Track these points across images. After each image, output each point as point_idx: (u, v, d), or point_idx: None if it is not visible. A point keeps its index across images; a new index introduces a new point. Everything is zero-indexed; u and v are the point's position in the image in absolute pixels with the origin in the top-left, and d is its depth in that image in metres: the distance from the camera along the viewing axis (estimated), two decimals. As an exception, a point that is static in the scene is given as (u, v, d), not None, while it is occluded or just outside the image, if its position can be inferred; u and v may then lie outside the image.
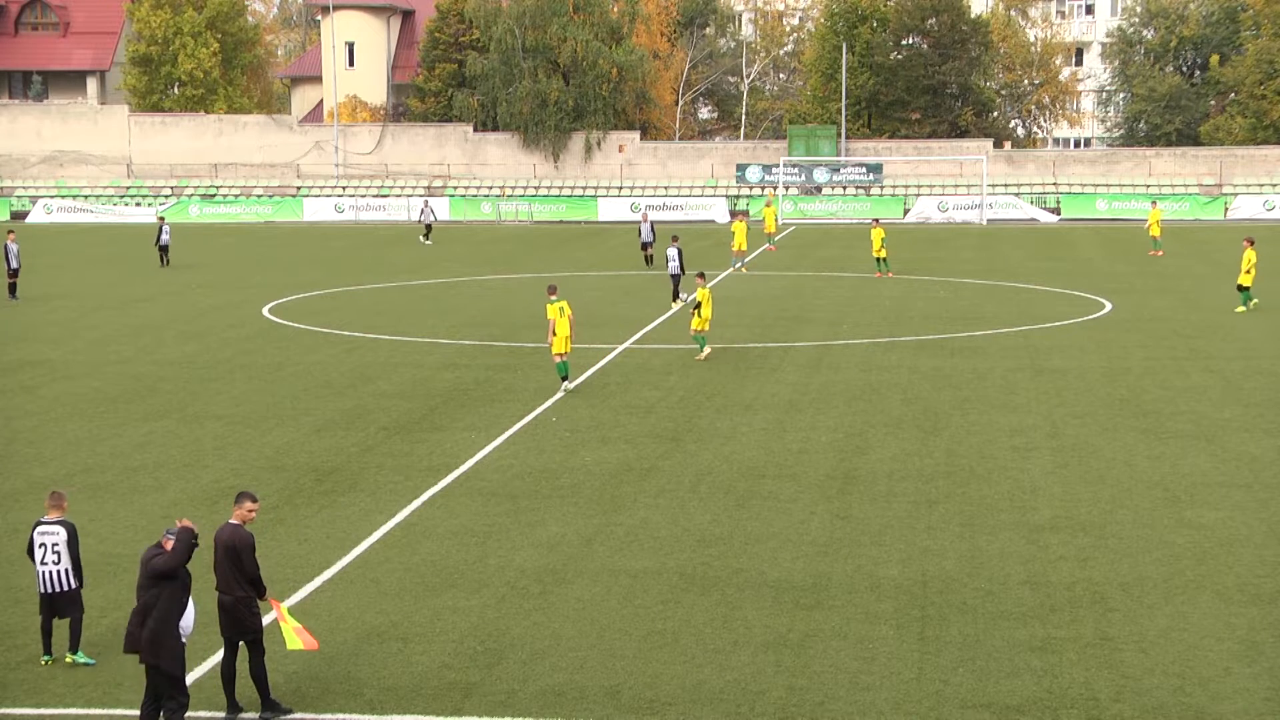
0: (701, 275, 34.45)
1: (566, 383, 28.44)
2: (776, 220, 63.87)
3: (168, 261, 55.81)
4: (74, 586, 14.89)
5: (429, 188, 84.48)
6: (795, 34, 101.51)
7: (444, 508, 20.40)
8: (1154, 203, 63.01)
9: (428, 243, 65.90)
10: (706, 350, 32.56)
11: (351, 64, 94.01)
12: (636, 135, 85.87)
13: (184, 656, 12.83)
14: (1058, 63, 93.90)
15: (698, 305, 31.90)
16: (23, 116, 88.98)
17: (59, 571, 14.82)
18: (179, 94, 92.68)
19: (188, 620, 12.90)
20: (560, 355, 28.27)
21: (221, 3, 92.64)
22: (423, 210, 69.13)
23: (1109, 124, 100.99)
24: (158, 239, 56.20)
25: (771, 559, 17.81)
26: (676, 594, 16.59)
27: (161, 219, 61.53)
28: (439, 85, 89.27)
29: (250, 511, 13.71)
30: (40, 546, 14.89)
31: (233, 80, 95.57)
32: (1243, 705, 13.47)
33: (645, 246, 53.59)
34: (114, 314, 41.39)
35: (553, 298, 28.39)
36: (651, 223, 55.30)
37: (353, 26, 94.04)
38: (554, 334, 28.06)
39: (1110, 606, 16.05)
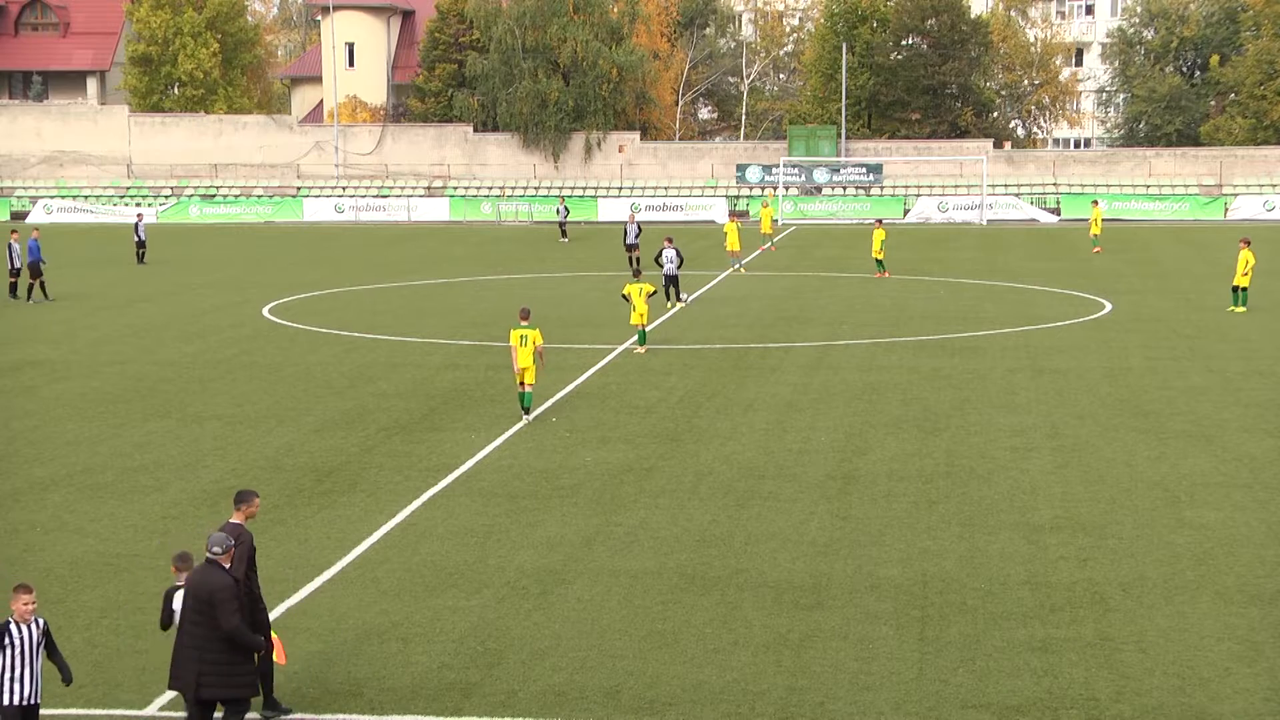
0: (638, 273, 34.71)
1: (526, 415, 25.87)
2: (774, 221, 63.73)
3: (143, 259, 56.31)
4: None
5: (429, 188, 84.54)
6: (795, 34, 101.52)
7: (444, 508, 20.40)
8: (1095, 202, 63.51)
9: (564, 240, 66.77)
10: (641, 348, 32.98)
11: (351, 64, 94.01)
12: (636, 135, 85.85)
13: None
14: (1058, 63, 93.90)
15: (625, 296, 32.91)
16: (23, 116, 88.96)
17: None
18: (179, 94, 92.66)
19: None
20: (522, 386, 25.82)
21: (221, 3, 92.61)
22: (559, 210, 70.02)
23: (1109, 124, 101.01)
24: (136, 233, 57.30)
25: (771, 559, 17.81)
26: (676, 594, 16.59)
27: (139, 215, 62.06)
28: (439, 85, 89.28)
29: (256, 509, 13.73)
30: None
31: (233, 80, 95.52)
32: (1243, 705, 13.47)
33: (631, 248, 52.95)
34: (114, 314, 41.40)
35: (522, 324, 25.91)
36: (639, 224, 54.49)
37: (353, 27, 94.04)
38: (516, 364, 25.60)
39: (1110, 606, 16.05)
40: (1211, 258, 54.62)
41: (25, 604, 11.91)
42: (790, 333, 36.48)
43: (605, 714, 13.45)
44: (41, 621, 12.08)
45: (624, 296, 33.24)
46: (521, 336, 25.56)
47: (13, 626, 11.86)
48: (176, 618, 12.66)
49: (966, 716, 13.31)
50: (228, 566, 12.46)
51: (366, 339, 36.00)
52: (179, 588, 12.82)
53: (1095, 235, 58.96)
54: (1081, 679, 14.07)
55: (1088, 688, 13.86)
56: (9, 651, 11.85)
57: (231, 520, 13.50)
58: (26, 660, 11.88)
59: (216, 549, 12.38)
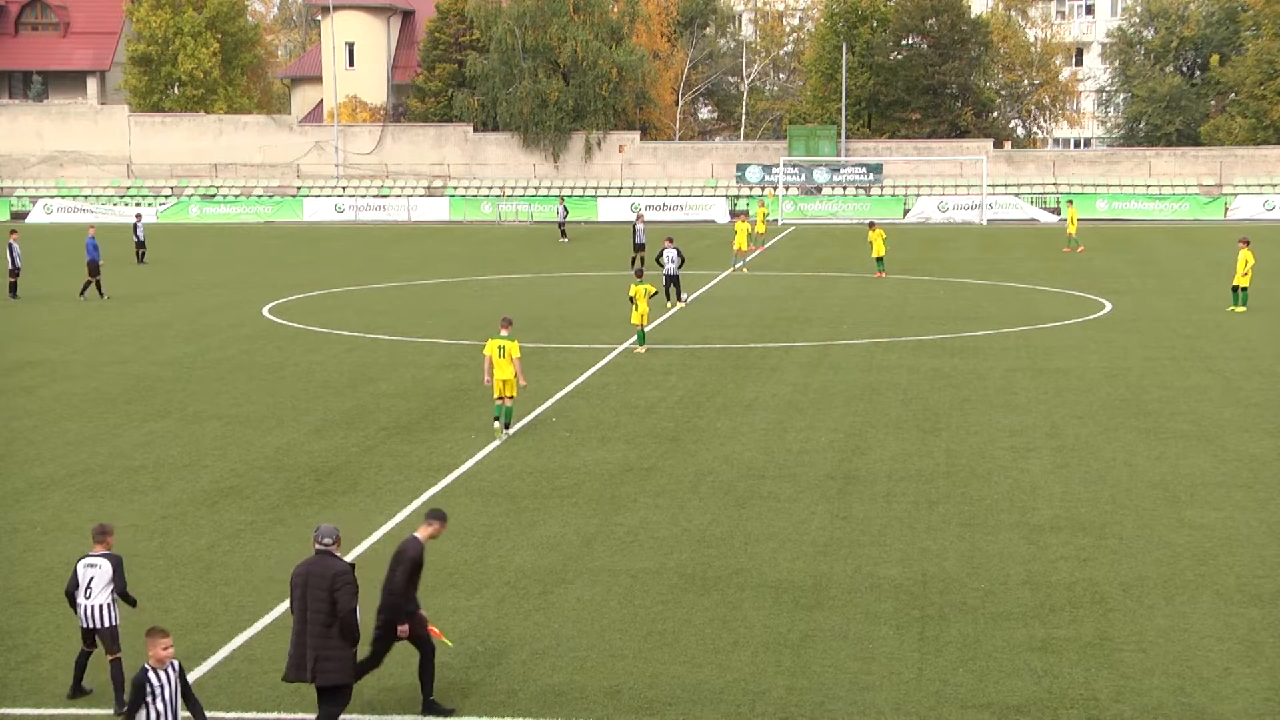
0: (639, 273, 34.70)
1: (505, 429, 24.58)
2: (765, 221, 63.55)
3: (143, 259, 56.45)
4: (108, 624, 13.83)
5: (429, 188, 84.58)
6: (795, 34, 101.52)
7: (444, 508, 20.35)
8: (1070, 202, 64.22)
9: (564, 240, 66.83)
10: (641, 348, 32.92)
11: (351, 64, 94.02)
12: (636, 135, 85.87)
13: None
14: (1058, 63, 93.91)
15: (632, 299, 32.68)
16: (23, 116, 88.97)
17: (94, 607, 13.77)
18: (179, 94, 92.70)
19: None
20: (500, 399, 24.49)
21: (221, 3, 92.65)
22: (559, 210, 70.44)
23: (1109, 124, 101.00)
24: (135, 233, 57.65)
25: (771, 559, 17.81)
26: (676, 594, 16.59)
27: (138, 215, 62.27)
28: (439, 85, 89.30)
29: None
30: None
31: (233, 80, 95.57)
32: (1243, 705, 13.47)
33: (640, 249, 52.87)
34: (114, 314, 41.40)
35: (502, 333, 24.50)
36: (645, 224, 54.68)
37: (353, 26, 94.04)
38: (488, 374, 24.33)
39: (1110, 606, 16.05)
40: (1211, 258, 54.62)
41: (165, 648, 11.41)
42: (790, 333, 36.48)
43: (605, 714, 13.45)
44: (177, 664, 11.64)
45: (631, 299, 33.15)
46: (500, 348, 24.17)
47: (151, 674, 11.37)
48: (83, 585, 13.65)
49: (966, 716, 13.31)
50: (339, 555, 12.88)
51: (366, 339, 36.00)
52: (86, 556, 13.84)
53: (1071, 235, 59.23)
54: (1081, 679, 14.07)
55: (1088, 688, 13.87)
56: (155, 699, 11.37)
57: (415, 534, 13.76)
58: (170, 707, 11.44)
59: (327, 539, 12.80)
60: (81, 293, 44.91)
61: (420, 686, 13.60)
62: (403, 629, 13.47)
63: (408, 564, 13.52)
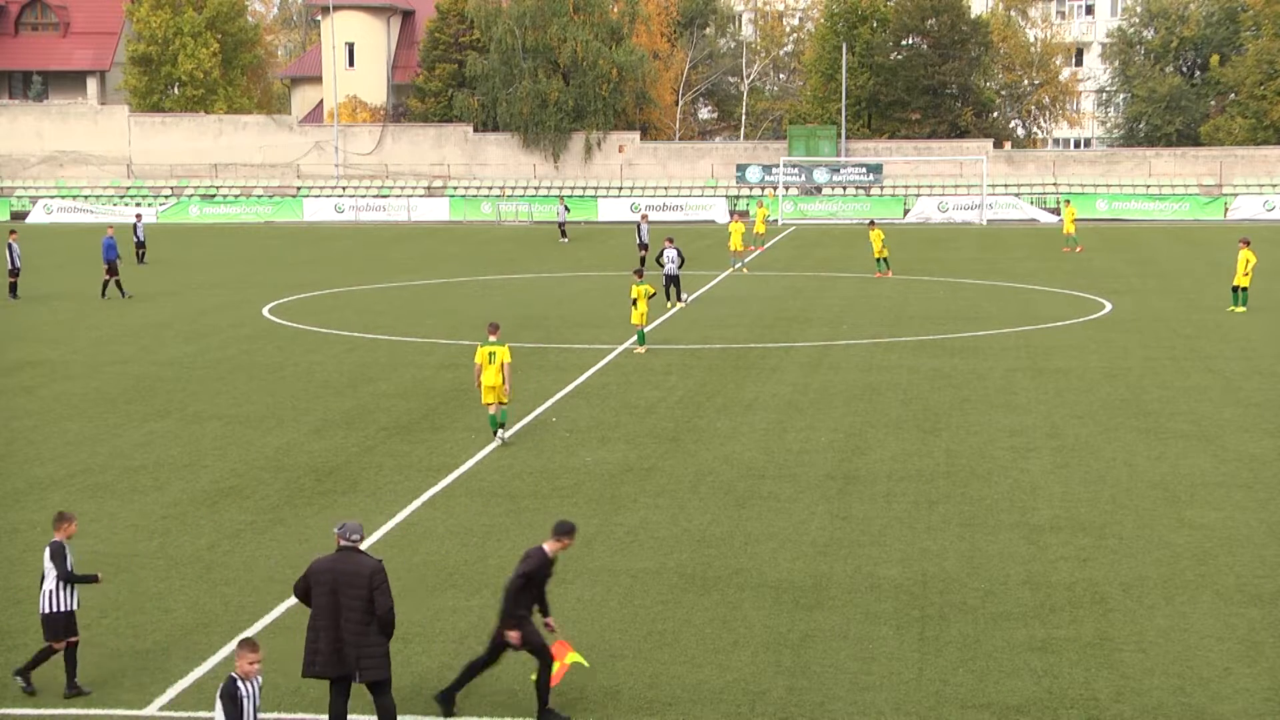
0: (639, 273, 34.68)
1: (501, 432, 24.16)
2: (765, 221, 63.54)
3: (143, 259, 56.56)
4: (47, 611, 14.14)
5: (429, 188, 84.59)
6: (795, 34, 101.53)
7: (444, 508, 20.39)
8: (1068, 202, 64.50)
9: (564, 240, 66.86)
10: (641, 348, 32.89)
11: (351, 64, 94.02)
12: (636, 135, 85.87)
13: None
14: (1058, 63, 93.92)
15: (634, 301, 32.60)
16: (23, 116, 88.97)
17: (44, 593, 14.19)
18: (179, 94, 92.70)
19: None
20: (490, 406, 24.08)
21: (221, 3, 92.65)
22: (559, 210, 70.54)
23: (1109, 124, 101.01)
24: (135, 233, 57.76)
25: (771, 559, 17.82)
26: (676, 594, 16.59)
27: (138, 215, 62.35)
28: (439, 85, 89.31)
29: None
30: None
31: (233, 80, 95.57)
32: (1243, 705, 13.47)
33: (644, 248, 52.98)
34: (114, 314, 41.40)
35: (491, 339, 24.06)
36: (649, 224, 54.82)
37: (353, 27, 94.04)
38: (478, 382, 23.97)
39: (1110, 606, 16.05)
40: (1211, 258, 54.62)
41: (251, 662, 11.49)
42: (790, 333, 36.48)
43: (605, 714, 13.45)
44: (260, 680, 11.73)
45: (633, 300, 33.10)
46: (490, 354, 23.70)
47: (240, 684, 11.48)
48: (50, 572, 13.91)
49: (966, 716, 13.31)
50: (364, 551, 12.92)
51: (366, 339, 36.01)
52: (54, 542, 14.12)
53: (1069, 235, 59.35)
54: (1081, 679, 14.07)
55: (1088, 688, 13.87)
56: (242, 707, 11.46)
57: (544, 545, 13.65)
58: (252, 717, 11.58)
59: (355, 536, 12.81)
60: (112, 292, 45.04)
61: (455, 678, 13.71)
62: (514, 635, 13.40)
63: (519, 574, 13.45)
